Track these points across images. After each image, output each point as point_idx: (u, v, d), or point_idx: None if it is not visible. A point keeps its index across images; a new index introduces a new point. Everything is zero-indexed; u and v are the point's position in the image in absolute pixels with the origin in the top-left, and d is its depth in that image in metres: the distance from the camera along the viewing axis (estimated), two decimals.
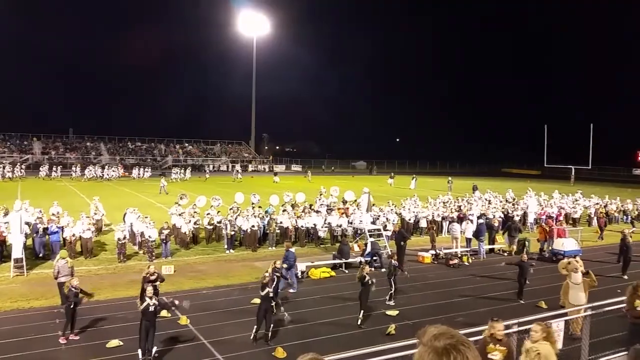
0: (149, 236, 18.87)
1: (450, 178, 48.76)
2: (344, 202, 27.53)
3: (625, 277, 17.03)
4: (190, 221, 21.47)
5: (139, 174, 58.46)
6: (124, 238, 18.78)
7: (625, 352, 9.14)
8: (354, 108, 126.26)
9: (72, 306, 11.15)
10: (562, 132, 66.78)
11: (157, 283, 12.08)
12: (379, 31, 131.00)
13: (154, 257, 18.41)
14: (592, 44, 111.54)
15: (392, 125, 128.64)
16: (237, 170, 61.92)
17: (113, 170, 58.46)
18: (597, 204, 31.83)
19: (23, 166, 57.81)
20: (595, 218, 29.51)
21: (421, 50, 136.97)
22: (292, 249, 15.91)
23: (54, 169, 57.20)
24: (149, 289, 10.55)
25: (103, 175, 55.70)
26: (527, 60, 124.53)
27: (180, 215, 21.88)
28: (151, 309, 10.29)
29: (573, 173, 62.27)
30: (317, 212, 23.99)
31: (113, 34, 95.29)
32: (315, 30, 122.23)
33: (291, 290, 15.11)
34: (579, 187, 50.73)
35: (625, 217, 31.09)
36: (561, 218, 27.03)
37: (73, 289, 11.29)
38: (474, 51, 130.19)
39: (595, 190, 42.92)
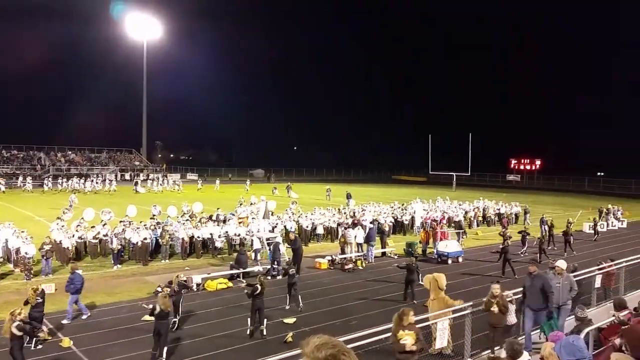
0: (26, 253, 17.32)
1: (329, 187, 50.30)
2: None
3: (516, 276, 17.93)
4: (73, 235, 20.02)
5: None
6: None
7: None
8: (252, 115, 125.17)
9: None
10: (444, 141, 71.68)
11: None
12: (279, 37, 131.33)
13: (31, 276, 16.92)
14: (470, 58, 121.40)
15: (290, 133, 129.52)
16: (200, 181, 61.22)
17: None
18: (476, 207, 34.60)
19: None
20: (475, 220, 32.46)
21: (320, 58, 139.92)
22: (79, 271, 13.73)
23: None
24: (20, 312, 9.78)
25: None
26: (413, 75, 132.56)
27: (61, 228, 20.30)
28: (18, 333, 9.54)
29: (454, 179, 67.18)
30: (216, 221, 23.60)
31: None
32: (210, 34, 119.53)
33: (64, 321, 12.95)
34: (459, 192, 54.94)
35: (499, 219, 33.76)
36: (444, 221, 28.99)
37: None
38: (370, 60, 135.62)
39: (474, 195, 46.66)
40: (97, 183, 54.85)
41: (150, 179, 59.72)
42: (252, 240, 21.42)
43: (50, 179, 56.19)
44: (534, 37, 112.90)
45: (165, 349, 10.70)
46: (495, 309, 10.01)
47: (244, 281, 12.70)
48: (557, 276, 10.82)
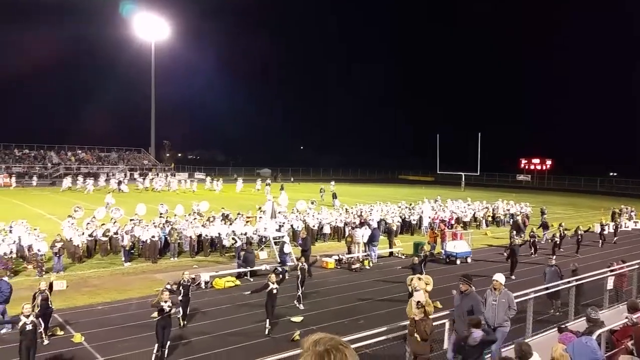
0: (39, 250, 17.55)
1: (322, 186, 49.46)
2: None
3: (513, 277, 18.04)
4: (83, 233, 20.18)
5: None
6: (11, 252, 17.29)
7: None
8: (259, 115, 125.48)
9: None
10: (453, 140, 71.26)
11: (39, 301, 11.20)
12: (285, 38, 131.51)
13: (44, 272, 17.12)
14: (478, 57, 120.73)
15: (297, 133, 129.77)
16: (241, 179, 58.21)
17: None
18: (486, 208, 34.38)
19: None
20: (484, 220, 32.23)
21: (327, 57, 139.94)
22: (5, 278, 13.19)
23: None
24: (27, 307, 9.87)
25: None
26: (417, 73, 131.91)
27: (71, 226, 20.47)
28: (28, 327, 9.60)
29: (463, 179, 66.88)
30: (223, 220, 23.69)
31: None
32: (218, 34, 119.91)
33: (3, 331, 12.10)
34: (468, 192, 54.66)
35: (510, 219, 33.24)
36: (453, 222, 28.85)
37: None
38: (377, 59, 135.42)
39: (483, 195, 46.39)
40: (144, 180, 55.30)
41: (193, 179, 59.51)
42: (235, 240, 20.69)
43: (69, 177, 55.37)
44: (541, 34, 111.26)
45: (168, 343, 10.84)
46: (416, 335, 8.58)
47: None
48: (493, 292, 9.48)
